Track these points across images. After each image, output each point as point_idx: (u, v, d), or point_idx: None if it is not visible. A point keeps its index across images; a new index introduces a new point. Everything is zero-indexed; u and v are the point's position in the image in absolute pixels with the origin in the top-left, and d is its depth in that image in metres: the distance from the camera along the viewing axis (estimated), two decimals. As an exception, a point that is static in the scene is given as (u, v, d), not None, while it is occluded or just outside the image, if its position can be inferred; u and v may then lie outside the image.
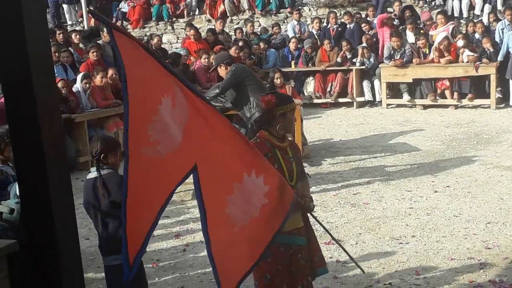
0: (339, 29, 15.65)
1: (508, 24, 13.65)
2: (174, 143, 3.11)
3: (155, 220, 3.06)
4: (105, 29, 13.77)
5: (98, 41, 13.06)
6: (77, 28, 17.47)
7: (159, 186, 3.06)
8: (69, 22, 19.74)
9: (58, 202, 2.67)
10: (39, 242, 2.68)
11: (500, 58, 13.12)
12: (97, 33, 14.32)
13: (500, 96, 13.34)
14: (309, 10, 18.61)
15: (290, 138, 4.84)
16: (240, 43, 14.82)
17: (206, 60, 12.93)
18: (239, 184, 3.45)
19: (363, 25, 15.32)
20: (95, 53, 11.60)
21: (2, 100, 9.26)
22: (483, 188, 8.01)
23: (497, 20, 14.58)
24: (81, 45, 13.56)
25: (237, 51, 13.98)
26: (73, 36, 13.46)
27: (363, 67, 14.33)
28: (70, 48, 12.62)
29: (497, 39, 13.76)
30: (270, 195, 3.61)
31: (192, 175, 3.20)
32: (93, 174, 4.42)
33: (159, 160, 3.04)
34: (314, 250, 4.48)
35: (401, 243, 6.41)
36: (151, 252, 6.38)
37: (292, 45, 15.40)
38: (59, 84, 9.82)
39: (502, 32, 13.77)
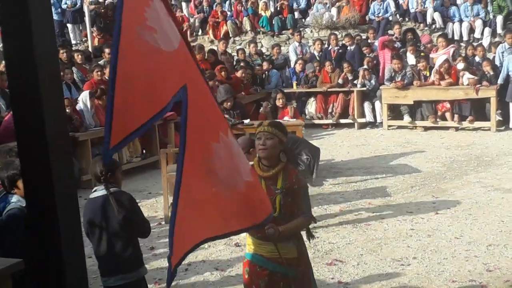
0: (340, 51, 15.77)
1: (508, 48, 13.75)
2: (170, 43, 2.53)
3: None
4: (106, 50, 13.92)
5: (99, 62, 13.17)
6: (81, 47, 17.58)
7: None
8: (73, 42, 19.87)
9: (65, 221, 2.70)
10: (44, 261, 2.70)
11: (500, 81, 13.22)
12: (99, 53, 14.46)
13: (501, 118, 13.42)
14: (311, 31, 18.74)
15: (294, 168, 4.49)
16: (242, 64, 14.92)
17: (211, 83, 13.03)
18: (225, 137, 2.80)
19: (364, 48, 15.44)
20: (99, 73, 11.69)
21: (7, 117, 9.34)
22: (484, 210, 8.04)
23: (497, 44, 14.68)
24: (84, 65, 13.67)
25: (243, 74, 14.14)
26: (75, 55, 13.57)
27: (364, 88, 14.44)
28: (73, 68, 12.73)
29: (497, 62, 13.86)
30: (254, 175, 3.10)
31: (182, 99, 2.63)
32: (99, 193, 4.46)
33: (157, 51, 2.44)
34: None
35: (402, 264, 6.43)
36: (153, 271, 6.40)
37: (298, 67, 15.49)
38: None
39: (502, 55, 13.88)
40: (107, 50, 13.58)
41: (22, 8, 2.08)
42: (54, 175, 2.63)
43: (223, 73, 13.93)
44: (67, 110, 9.94)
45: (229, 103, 10.42)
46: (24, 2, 2.04)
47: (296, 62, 15.79)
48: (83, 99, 10.64)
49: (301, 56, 16.49)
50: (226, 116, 9.74)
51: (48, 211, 2.74)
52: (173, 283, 6.19)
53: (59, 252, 2.74)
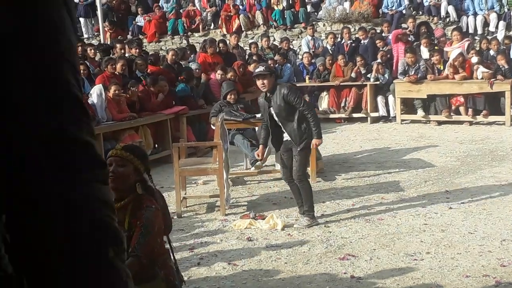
0: (353, 44, 15.71)
1: (524, 41, 13.65)
2: None
3: None
4: (118, 45, 13.92)
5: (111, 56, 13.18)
6: (93, 41, 17.62)
7: None
8: (85, 36, 19.93)
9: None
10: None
11: (515, 75, 13.12)
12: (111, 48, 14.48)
13: (515, 113, 13.32)
14: (324, 25, 18.68)
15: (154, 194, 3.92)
16: (254, 57, 14.91)
17: (221, 76, 13.01)
18: None
19: (377, 41, 15.36)
20: (112, 66, 11.69)
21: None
22: (498, 205, 7.97)
23: (510, 38, 14.57)
24: (97, 58, 13.69)
25: (254, 68, 14.11)
26: (88, 50, 13.58)
27: (378, 82, 14.37)
28: (86, 61, 12.76)
29: (512, 56, 13.77)
30: None
31: None
32: None
33: None
34: None
35: (415, 259, 6.38)
36: (166, 265, 6.39)
37: (305, 60, 15.47)
38: (75, 97, 9.84)
39: (518, 49, 13.78)
40: (118, 46, 13.58)
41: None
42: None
43: (241, 69, 13.91)
44: (80, 104, 9.94)
45: (232, 96, 10.41)
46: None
47: (303, 56, 15.76)
48: (97, 93, 10.64)
49: (313, 50, 16.44)
50: (232, 111, 9.73)
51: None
52: (185, 278, 6.19)
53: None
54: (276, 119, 7.36)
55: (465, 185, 9.00)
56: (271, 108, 7.31)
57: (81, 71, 11.57)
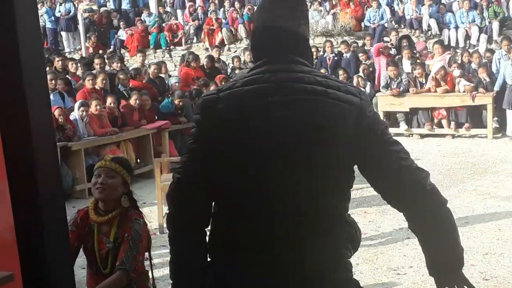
0: (335, 58, 15.73)
1: (505, 54, 13.71)
2: None
3: None
4: (96, 59, 13.73)
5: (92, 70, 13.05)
6: (75, 55, 17.53)
7: None
8: (67, 50, 19.83)
9: (52, 233, 2.63)
10: (31, 273, 2.63)
11: (496, 88, 13.15)
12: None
13: (497, 126, 13.37)
14: (306, 39, 18.72)
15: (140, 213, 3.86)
16: (237, 71, 14.89)
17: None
18: None
19: (360, 54, 15.40)
20: (90, 81, 11.60)
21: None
22: (481, 219, 7.97)
23: (492, 52, 14.64)
24: (78, 73, 13.59)
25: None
26: (69, 64, 13.49)
27: (360, 96, 14.37)
28: (67, 76, 12.67)
29: (493, 69, 13.82)
30: None
31: None
32: None
33: None
34: None
35: (398, 273, 6.36)
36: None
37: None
38: (56, 112, 9.83)
39: (499, 61, 13.84)
40: (96, 60, 13.49)
41: (10, 20, 2.01)
42: (41, 188, 2.56)
43: (223, 82, 13.85)
44: (60, 120, 9.88)
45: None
46: (11, 14, 1.98)
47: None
48: (77, 109, 10.57)
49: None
50: None
51: (35, 222, 2.66)
52: None
53: (47, 268, 2.66)
54: None
55: (448, 198, 8.82)
56: None
57: (61, 86, 11.49)
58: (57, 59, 13.43)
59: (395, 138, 2.50)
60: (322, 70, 14.93)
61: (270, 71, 2.22)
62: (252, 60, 2.39)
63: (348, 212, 2.43)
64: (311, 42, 18.07)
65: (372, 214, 8.42)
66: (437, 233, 2.40)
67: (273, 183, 2.20)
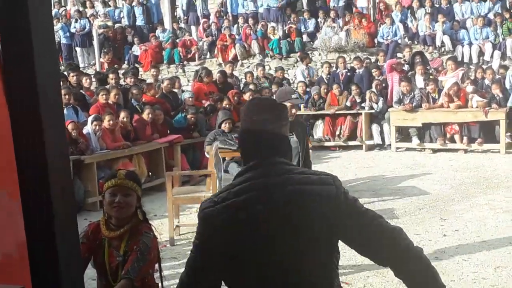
0: (348, 73, 15.78)
1: (518, 70, 13.71)
2: None
3: None
4: (111, 74, 13.88)
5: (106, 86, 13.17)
6: (89, 71, 17.67)
7: None
8: (81, 65, 19.99)
9: (65, 245, 2.66)
10: (42, 283, 2.66)
11: (509, 103, 13.16)
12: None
13: (510, 141, 13.33)
14: (319, 54, 18.78)
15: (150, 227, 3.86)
16: (251, 86, 14.98)
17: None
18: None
19: (373, 70, 15.43)
20: (104, 96, 11.71)
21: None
22: (492, 233, 7.95)
23: (505, 68, 14.64)
24: (92, 88, 13.70)
25: (250, 97, 14.19)
26: (83, 80, 13.60)
27: (372, 111, 14.40)
28: (81, 91, 12.78)
29: (507, 85, 13.81)
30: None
31: None
32: None
33: None
34: None
35: (409, 287, 6.34)
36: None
37: (300, 89, 15.56)
38: (69, 127, 9.92)
39: (512, 78, 13.83)
40: (111, 75, 13.62)
41: (25, 34, 2.06)
42: (54, 202, 2.61)
43: (235, 97, 13.93)
44: (73, 134, 9.97)
45: (227, 125, 10.44)
46: (26, 29, 2.03)
47: (297, 85, 15.84)
48: (91, 122, 10.66)
49: (308, 79, 16.51)
50: (226, 140, 9.71)
51: (47, 234, 2.70)
52: None
53: (59, 278, 2.70)
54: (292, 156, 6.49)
55: (460, 212, 8.97)
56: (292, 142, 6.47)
57: (74, 100, 11.59)
58: (71, 74, 13.57)
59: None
60: (335, 86, 15.00)
61: (261, 176, 2.54)
62: (242, 155, 2.71)
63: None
64: (324, 58, 18.21)
65: (383, 228, 8.41)
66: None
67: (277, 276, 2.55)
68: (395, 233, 2.63)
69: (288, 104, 6.07)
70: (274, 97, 6.61)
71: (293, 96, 6.53)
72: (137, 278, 3.62)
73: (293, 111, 6.52)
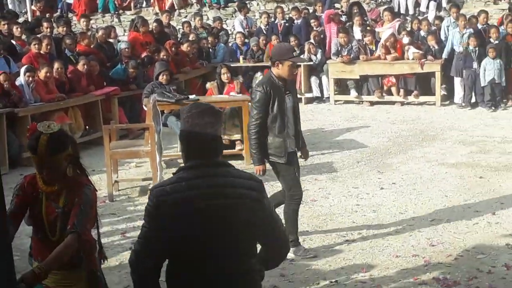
0: (287, 24, 15.66)
1: (453, 22, 13.84)
2: None
3: None
4: (45, 22, 13.50)
5: (38, 35, 12.72)
6: (20, 19, 17.04)
7: None
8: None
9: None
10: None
11: (444, 55, 13.32)
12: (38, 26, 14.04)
13: (445, 93, 13.56)
14: (257, 4, 18.58)
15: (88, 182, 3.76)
16: (191, 37, 14.73)
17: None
18: None
19: (312, 20, 15.33)
20: (36, 46, 11.32)
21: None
22: (428, 185, 8.11)
23: (441, 19, 14.77)
24: (23, 37, 13.24)
25: (188, 48, 13.98)
26: (14, 28, 13.10)
27: (311, 63, 14.36)
28: (12, 40, 12.36)
29: (442, 36, 13.96)
30: None
31: None
32: None
33: None
34: None
35: (347, 240, 6.45)
36: (96, 251, 6.25)
37: (238, 40, 15.40)
38: (1, 78, 9.60)
39: (447, 29, 13.97)
40: (45, 24, 13.18)
41: None
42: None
43: (173, 48, 13.66)
44: (6, 85, 9.65)
45: (164, 77, 10.22)
46: None
47: (236, 36, 15.68)
48: (23, 74, 10.31)
49: (247, 29, 16.34)
50: (164, 92, 9.56)
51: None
52: (116, 261, 6.05)
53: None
54: (289, 115, 6.23)
55: (396, 165, 9.12)
56: (287, 102, 6.13)
57: (4, 51, 11.18)
58: (2, 22, 13.04)
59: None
60: (273, 37, 14.85)
61: (206, 175, 3.00)
62: (185, 154, 3.11)
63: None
64: (262, 8, 18.02)
65: (323, 181, 8.49)
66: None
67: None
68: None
69: (289, 63, 5.90)
70: (271, 55, 6.25)
71: (294, 54, 6.19)
72: (84, 232, 3.57)
73: (294, 71, 6.27)
